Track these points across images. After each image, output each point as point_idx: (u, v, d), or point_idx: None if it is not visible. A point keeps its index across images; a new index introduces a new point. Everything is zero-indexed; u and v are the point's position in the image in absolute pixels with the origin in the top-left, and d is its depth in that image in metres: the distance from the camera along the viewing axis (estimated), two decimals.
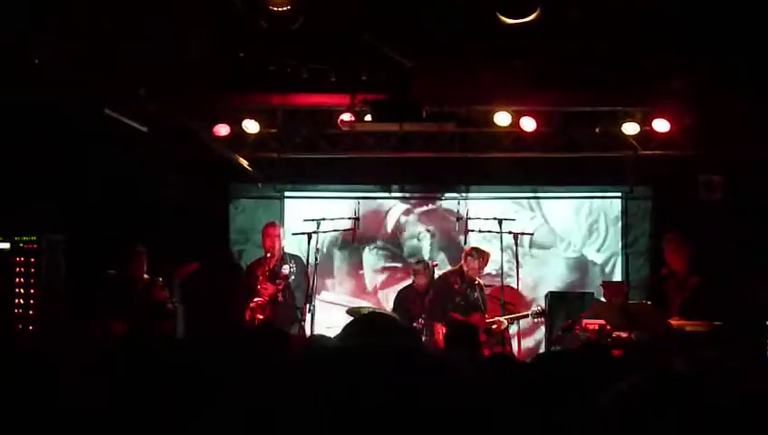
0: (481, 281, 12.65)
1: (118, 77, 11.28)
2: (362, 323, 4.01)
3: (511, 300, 12.76)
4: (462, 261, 12.72)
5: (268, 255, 12.20)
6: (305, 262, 12.42)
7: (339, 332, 3.77)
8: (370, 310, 13.04)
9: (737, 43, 10.29)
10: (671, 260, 11.53)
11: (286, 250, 12.66)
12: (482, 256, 12.57)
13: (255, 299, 11.97)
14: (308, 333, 11.90)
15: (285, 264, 12.26)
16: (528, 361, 6.03)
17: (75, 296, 11.89)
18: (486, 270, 12.97)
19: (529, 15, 9.68)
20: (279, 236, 12.41)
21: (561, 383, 3.58)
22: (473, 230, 12.96)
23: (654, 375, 2.40)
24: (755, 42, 10.29)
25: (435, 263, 13.05)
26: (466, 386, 2.63)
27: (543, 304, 13.41)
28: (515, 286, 12.79)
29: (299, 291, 12.27)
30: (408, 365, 2.51)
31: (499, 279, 12.75)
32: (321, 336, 6.65)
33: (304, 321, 12.17)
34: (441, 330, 11.85)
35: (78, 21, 9.70)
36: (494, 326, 12.22)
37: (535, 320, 12.72)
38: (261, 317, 11.85)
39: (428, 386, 2.46)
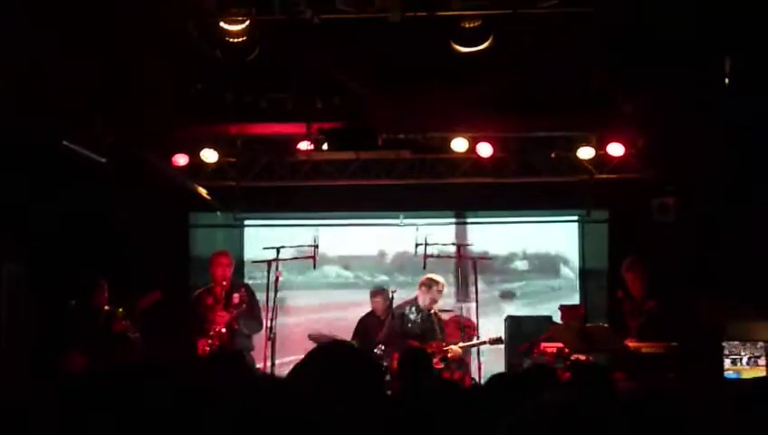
0: (436, 310, 12.69)
1: (75, 108, 11.30)
2: (321, 354, 4.05)
3: (470, 326, 12.80)
4: (417, 291, 12.78)
5: (224, 283, 12.20)
6: (253, 289, 12.48)
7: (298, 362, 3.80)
8: (332, 336, 13.05)
9: (687, 65, 10.45)
10: (630, 284, 11.61)
11: (235, 278, 12.71)
12: (436, 285, 12.64)
13: (214, 327, 11.97)
14: (257, 360, 11.94)
15: (235, 292, 12.25)
16: (479, 383, 6.15)
17: (36, 328, 11.85)
18: (447, 295, 13.03)
19: (482, 44, 9.83)
20: (230, 264, 12.44)
21: (503, 404, 3.66)
22: (431, 256, 12.99)
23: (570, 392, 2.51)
24: (705, 64, 10.45)
25: (394, 289, 13.07)
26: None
27: (503, 328, 13.49)
28: (475, 311, 12.79)
29: (249, 319, 12.30)
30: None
31: (458, 305, 12.76)
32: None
33: (253, 349, 12.21)
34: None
35: (34, 52, 9.73)
36: (449, 354, 12.24)
37: (493, 346, 12.72)
38: (217, 345, 11.85)
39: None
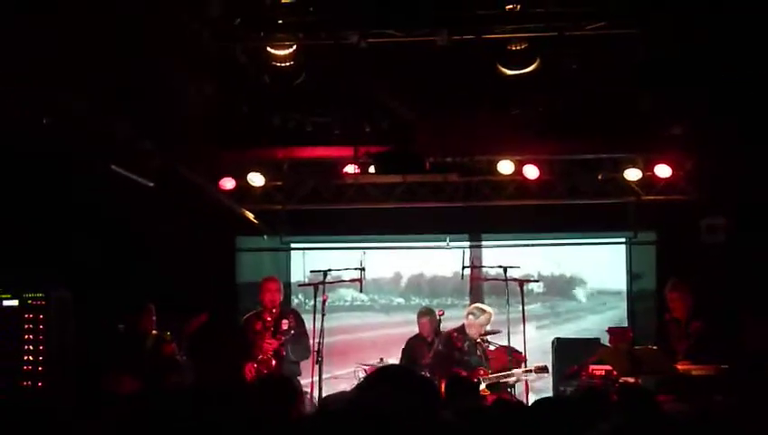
0: (482, 339, 12.57)
1: (123, 133, 11.38)
2: (379, 377, 4.04)
3: (517, 354, 12.71)
4: (464, 319, 12.69)
5: (273, 310, 12.14)
6: (302, 315, 12.42)
7: (354, 385, 3.81)
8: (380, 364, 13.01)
9: (735, 86, 10.39)
10: (674, 306, 11.50)
11: (285, 304, 12.65)
12: (483, 314, 12.53)
13: (261, 355, 11.93)
14: (308, 386, 11.88)
15: (284, 318, 12.18)
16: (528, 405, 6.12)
17: (84, 353, 11.90)
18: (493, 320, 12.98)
19: (529, 66, 9.82)
20: (279, 290, 12.33)
21: (558, 428, 3.64)
22: (478, 279, 12.95)
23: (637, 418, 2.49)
24: (753, 84, 10.39)
25: (441, 312, 12.98)
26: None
27: (551, 350, 13.43)
28: (522, 335, 12.69)
29: (297, 345, 12.22)
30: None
31: (505, 330, 12.66)
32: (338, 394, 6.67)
33: (300, 375, 12.10)
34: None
35: (84, 78, 9.81)
36: (501, 381, 12.14)
37: (538, 374, 12.55)
38: (266, 373, 11.81)
39: None
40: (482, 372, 12.12)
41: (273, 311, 12.09)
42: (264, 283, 12.38)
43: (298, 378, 11.99)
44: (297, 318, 12.30)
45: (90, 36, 9.28)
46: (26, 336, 11.71)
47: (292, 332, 12.05)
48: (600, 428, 2.49)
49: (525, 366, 12.36)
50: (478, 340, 12.49)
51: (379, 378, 3.87)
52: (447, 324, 12.94)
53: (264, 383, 8.27)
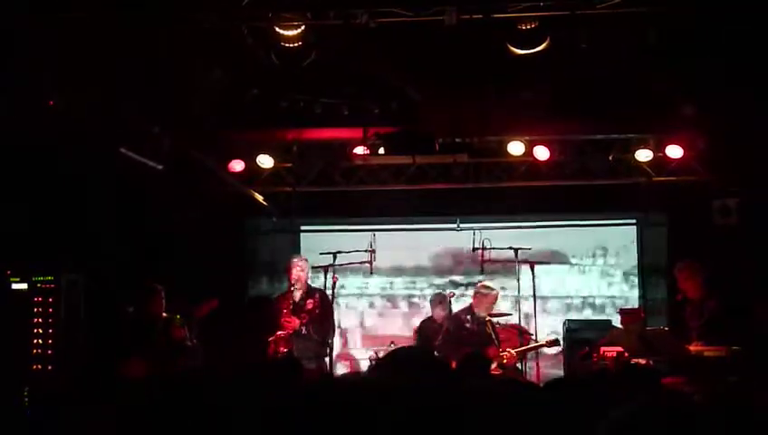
0: (491, 317, 12.53)
1: (132, 116, 11.35)
2: (391, 359, 4.02)
3: (527, 332, 12.70)
4: (472, 299, 12.70)
5: (298, 288, 12.14)
6: (330, 295, 12.38)
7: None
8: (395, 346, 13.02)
9: (748, 67, 10.32)
10: (685, 287, 11.45)
11: (312, 285, 12.60)
12: (491, 292, 12.53)
13: (278, 332, 11.93)
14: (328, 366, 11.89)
15: (310, 298, 12.17)
16: (539, 385, 6.08)
17: (94, 336, 11.89)
18: (506, 299, 12.95)
19: (539, 46, 9.75)
20: (303, 269, 12.32)
21: (570, 409, 3.60)
22: (488, 260, 12.91)
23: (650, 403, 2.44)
24: (766, 63, 10.32)
25: (452, 293, 12.99)
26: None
27: (561, 332, 13.39)
28: (533, 315, 12.70)
29: (321, 325, 12.19)
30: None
31: (516, 309, 12.67)
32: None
33: (329, 355, 12.10)
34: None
35: (92, 61, 9.77)
36: (504, 361, 12.12)
37: (549, 349, 12.54)
38: (283, 350, 11.81)
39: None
40: (491, 350, 12.10)
41: (296, 289, 12.08)
42: (289, 261, 12.42)
43: (325, 359, 12.03)
44: (323, 298, 12.28)
45: (99, 21, 9.25)
46: (36, 320, 11.71)
47: (317, 311, 12.04)
48: (612, 415, 2.44)
49: (535, 342, 12.40)
50: (487, 318, 12.47)
51: (390, 360, 3.86)
52: (459, 306, 12.97)
53: (265, 365, 8.27)
